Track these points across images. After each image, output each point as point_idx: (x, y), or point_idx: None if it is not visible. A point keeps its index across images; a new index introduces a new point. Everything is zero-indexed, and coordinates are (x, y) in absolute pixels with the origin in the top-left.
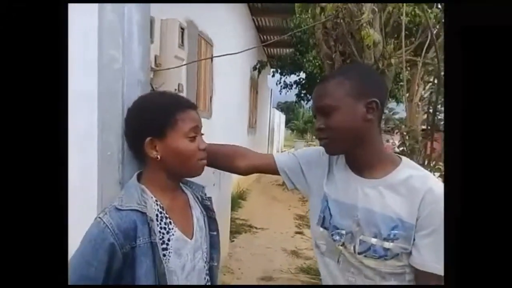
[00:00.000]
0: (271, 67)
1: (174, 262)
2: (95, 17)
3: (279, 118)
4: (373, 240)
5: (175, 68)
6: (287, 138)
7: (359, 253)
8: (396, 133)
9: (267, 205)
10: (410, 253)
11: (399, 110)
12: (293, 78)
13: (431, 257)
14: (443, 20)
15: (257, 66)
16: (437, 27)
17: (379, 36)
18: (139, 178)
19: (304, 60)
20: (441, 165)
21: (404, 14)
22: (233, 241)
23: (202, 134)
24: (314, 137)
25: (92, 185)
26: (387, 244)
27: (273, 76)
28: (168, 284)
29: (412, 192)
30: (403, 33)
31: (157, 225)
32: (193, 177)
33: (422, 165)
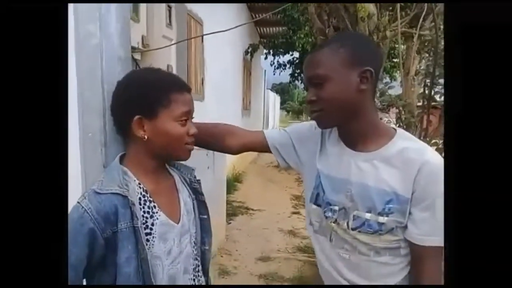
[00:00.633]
0: (264, 48)
1: (158, 247)
2: None
3: (274, 99)
4: (367, 215)
5: (164, 48)
6: (282, 119)
7: (352, 229)
8: (392, 108)
9: (263, 187)
10: (405, 227)
11: (395, 85)
12: (286, 58)
13: (428, 230)
14: None
15: (249, 50)
16: None
17: (373, 8)
18: (121, 160)
19: (296, 37)
20: (437, 139)
21: None
22: (230, 223)
23: (193, 118)
24: (309, 118)
25: (75, 170)
26: (381, 219)
27: (265, 58)
28: (150, 270)
29: (408, 164)
30: (398, 4)
31: (140, 209)
32: (179, 160)
33: (418, 139)
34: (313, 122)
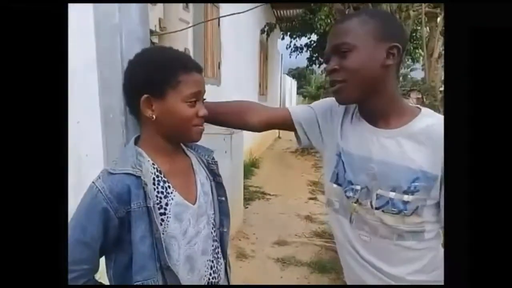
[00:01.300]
0: (281, 30)
1: (173, 226)
2: None
3: (291, 84)
4: (391, 194)
5: (181, 31)
6: (299, 105)
7: (376, 208)
8: (413, 92)
9: (280, 172)
10: (432, 207)
11: (418, 67)
12: (303, 41)
13: None
14: None
15: (266, 29)
16: None
17: None
18: (137, 141)
19: (316, 19)
20: None
21: None
22: (247, 207)
23: (204, 99)
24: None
25: (99, 151)
26: (406, 197)
27: (282, 39)
28: (164, 248)
29: (435, 139)
30: None
31: (154, 189)
32: (190, 142)
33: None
34: None
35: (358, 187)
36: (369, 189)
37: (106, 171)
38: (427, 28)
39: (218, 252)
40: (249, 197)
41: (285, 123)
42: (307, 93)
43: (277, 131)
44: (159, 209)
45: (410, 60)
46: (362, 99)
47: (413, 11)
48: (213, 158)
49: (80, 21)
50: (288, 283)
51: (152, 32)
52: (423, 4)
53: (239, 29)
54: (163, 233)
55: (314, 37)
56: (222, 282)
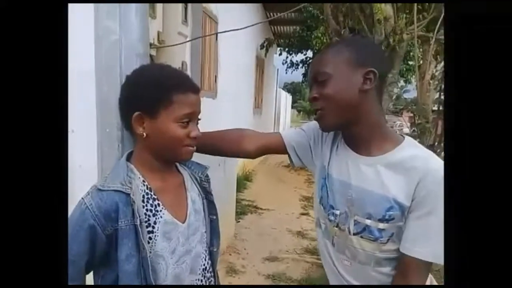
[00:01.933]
0: (278, 46)
1: (161, 245)
2: None
3: (286, 98)
4: (367, 221)
5: (179, 45)
6: (293, 119)
7: (354, 234)
8: (407, 111)
9: (273, 187)
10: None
11: (410, 89)
12: (299, 57)
13: (418, 240)
14: None
15: (265, 44)
16: None
17: (390, 10)
18: (130, 157)
19: (313, 36)
20: None
21: None
22: (239, 221)
23: (199, 120)
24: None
25: (93, 163)
26: (381, 225)
27: (280, 54)
28: (150, 268)
29: (411, 171)
30: (415, 8)
31: (143, 206)
32: (180, 161)
33: (433, 145)
34: None
35: (338, 212)
36: (348, 215)
37: (96, 187)
38: (421, 50)
39: (208, 271)
40: (241, 211)
41: (278, 148)
42: (301, 107)
43: None
44: (147, 227)
45: (403, 81)
46: (343, 126)
47: (407, 34)
48: (206, 175)
49: (76, 30)
50: None
51: (150, 45)
52: (415, 28)
53: (236, 44)
54: (150, 252)
55: (310, 53)
56: None
